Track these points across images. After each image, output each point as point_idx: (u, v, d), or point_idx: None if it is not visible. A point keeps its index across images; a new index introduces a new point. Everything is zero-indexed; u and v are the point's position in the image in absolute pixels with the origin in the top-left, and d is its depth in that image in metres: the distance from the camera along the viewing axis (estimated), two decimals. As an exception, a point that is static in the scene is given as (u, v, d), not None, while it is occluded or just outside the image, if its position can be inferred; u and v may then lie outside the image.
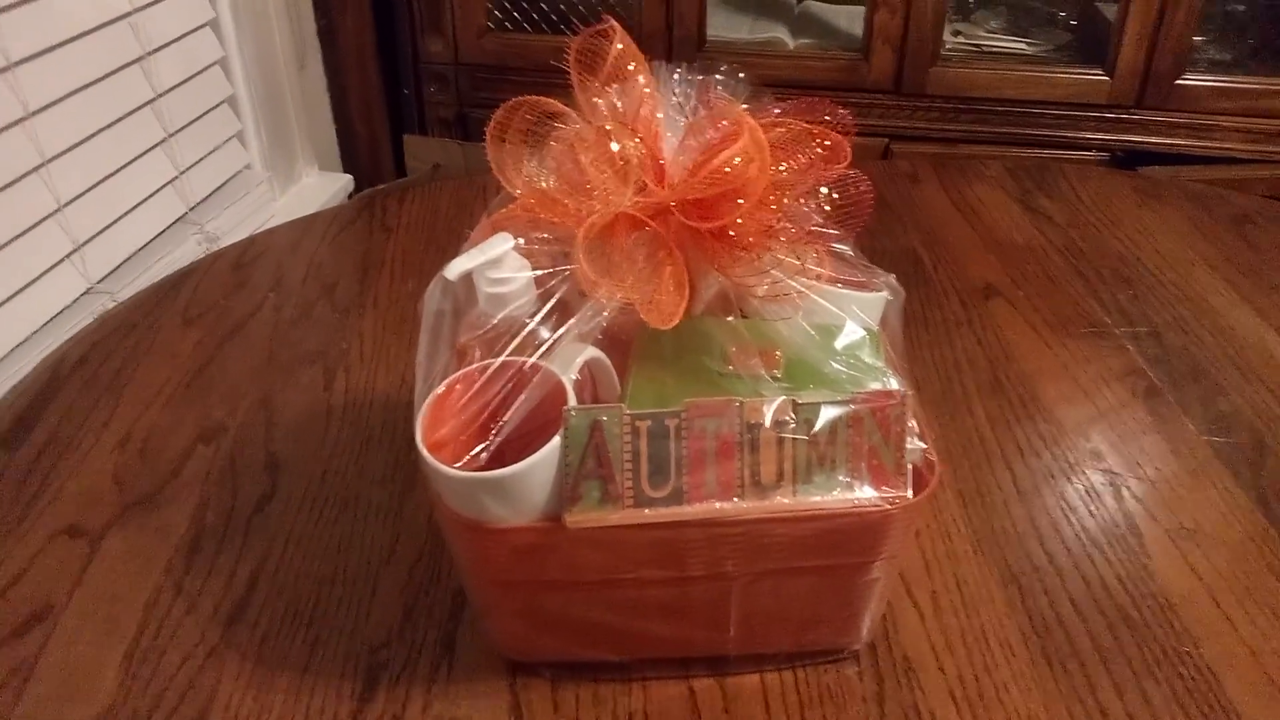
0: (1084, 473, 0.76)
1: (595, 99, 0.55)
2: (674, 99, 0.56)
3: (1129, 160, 1.65)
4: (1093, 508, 0.73)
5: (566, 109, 0.55)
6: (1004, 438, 0.79)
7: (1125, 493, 0.74)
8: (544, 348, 0.53)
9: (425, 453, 0.49)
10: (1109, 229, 1.11)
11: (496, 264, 0.53)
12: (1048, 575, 0.67)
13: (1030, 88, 1.63)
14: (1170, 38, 1.55)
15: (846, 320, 0.57)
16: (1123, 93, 1.61)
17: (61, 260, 1.13)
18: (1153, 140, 1.64)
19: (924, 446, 0.53)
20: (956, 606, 0.65)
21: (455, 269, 0.52)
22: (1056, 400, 0.84)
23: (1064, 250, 1.06)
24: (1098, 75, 1.61)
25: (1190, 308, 0.97)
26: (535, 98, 0.54)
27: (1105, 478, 0.76)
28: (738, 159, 0.50)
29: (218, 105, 1.40)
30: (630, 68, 0.54)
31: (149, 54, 1.24)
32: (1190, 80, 1.59)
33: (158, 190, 1.28)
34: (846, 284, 0.58)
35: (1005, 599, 0.65)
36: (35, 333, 1.10)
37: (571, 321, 0.53)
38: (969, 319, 0.95)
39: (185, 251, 1.31)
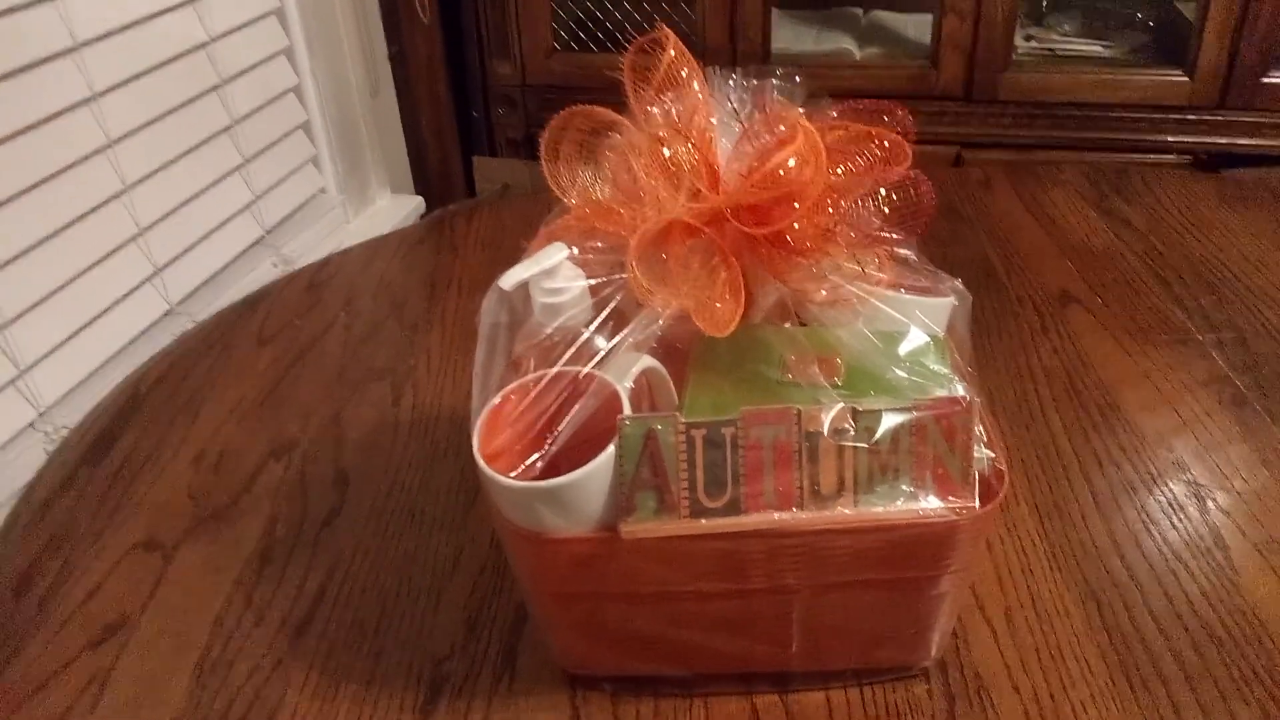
0: (1167, 484, 0.73)
1: (650, 107, 0.54)
2: (730, 105, 0.55)
3: (1212, 163, 1.59)
4: (1176, 520, 0.70)
5: (620, 118, 0.55)
6: (1082, 448, 0.77)
7: (1211, 505, 0.71)
8: (599, 357, 0.52)
9: (481, 462, 0.49)
10: (1191, 232, 1.07)
11: (551, 274, 0.53)
12: (1128, 590, 0.64)
13: (1107, 91, 1.58)
14: (1256, 34, 1.50)
15: (910, 326, 0.55)
16: (1204, 93, 1.55)
17: (142, 283, 1.16)
18: (1237, 141, 1.58)
19: (992, 455, 0.52)
20: (1031, 623, 0.62)
21: (510, 279, 0.52)
22: (1137, 409, 0.81)
23: (1144, 255, 1.03)
24: (1177, 76, 1.56)
25: (1278, 313, 0.92)
26: (589, 107, 0.54)
27: (1189, 489, 0.72)
28: (792, 161, 0.49)
29: (293, 131, 1.44)
30: (684, 74, 0.53)
31: (226, 82, 1.28)
32: (1277, 78, 1.53)
33: (235, 215, 1.32)
34: (910, 289, 0.57)
35: (1083, 615, 0.63)
36: (118, 353, 1.13)
37: (626, 330, 0.53)
38: (1045, 327, 0.92)
39: (261, 273, 1.34)
